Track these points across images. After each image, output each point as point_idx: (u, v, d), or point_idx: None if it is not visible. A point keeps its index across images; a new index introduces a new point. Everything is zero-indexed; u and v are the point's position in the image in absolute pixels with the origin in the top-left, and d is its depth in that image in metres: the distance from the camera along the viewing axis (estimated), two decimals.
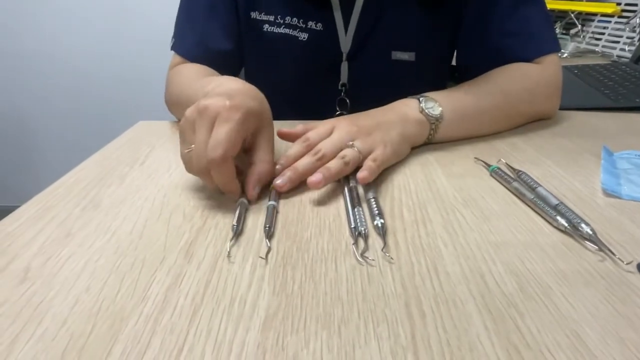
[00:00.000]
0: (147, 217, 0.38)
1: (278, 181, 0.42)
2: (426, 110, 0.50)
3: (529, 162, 0.48)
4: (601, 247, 0.33)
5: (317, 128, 0.47)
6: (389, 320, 0.26)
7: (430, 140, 0.52)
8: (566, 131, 0.58)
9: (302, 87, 0.69)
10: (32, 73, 1.83)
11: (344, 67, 0.66)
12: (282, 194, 0.42)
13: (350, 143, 0.44)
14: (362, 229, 0.35)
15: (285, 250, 0.34)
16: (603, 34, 1.21)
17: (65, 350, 0.25)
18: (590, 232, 0.34)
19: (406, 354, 0.24)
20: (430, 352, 0.24)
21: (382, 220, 0.36)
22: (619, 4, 1.16)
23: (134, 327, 0.26)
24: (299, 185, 0.43)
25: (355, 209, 0.37)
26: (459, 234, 0.35)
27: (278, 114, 0.50)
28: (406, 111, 0.50)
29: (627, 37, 1.14)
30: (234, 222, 0.36)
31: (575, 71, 0.91)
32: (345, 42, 0.64)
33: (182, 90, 0.58)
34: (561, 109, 0.63)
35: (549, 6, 1.24)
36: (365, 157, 0.44)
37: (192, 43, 0.65)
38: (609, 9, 1.17)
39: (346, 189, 0.41)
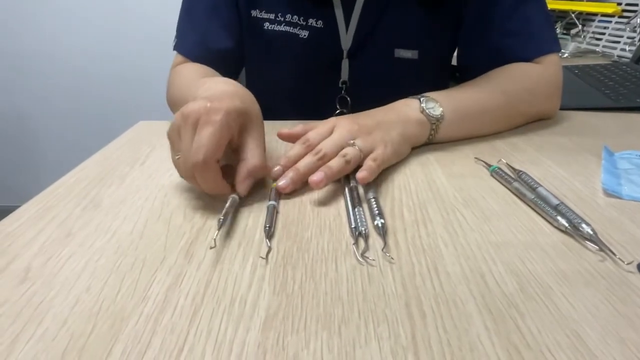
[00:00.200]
0: (148, 217, 0.38)
1: (281, 183, 0.42)
2: (427, 111, 0.50)
3: (529, 162, 0.48)
4: (602, 247, 0.33)
5: (317, 128, 0.46)
6: (390, 320, 0.26)
7: (430, 140, 0.52)
8: (567, 131, 0.58)
9: (303, 84, 0.69)
10: (32, 73, 1.83)
11: (345, 64, 0.66)
12: (282, 194, 0.42)
13: (352, 142, 0.44)
14: (363, 229, 0.35)
15: (286, 250, 0.34)
16: (604, 34, 1.21)
17: (65, 350, 0.25)
18: (591, 232, 0.34)
19: (406, 354, 0.24)
20: (431, 352, 0.24)
21: (382, 220, 0.36)
22: (619, 4, 1.16)
23: (135, 327, 0.26)
24: (300, 185, 0.43)
25: (356, 209, 0.37)
26: (460, 234, 0.35)
27: (279, 112, 0.50)
28: (407, 111, 0.50)
29: (628, 37, 1.14)
30: (221, 216, 0.35)
31: (576, 71, 0.91)
32: (346, 39, 0.65)
33: (180, 91, 0.58)
34: (562, 109, 0.63)
35: (550, 6, 1.24)
36: (366, 156, 0.44)
37: (193, 43, 0.65)
38: (609, 9, 1.17)
39: (346, 189, 0.41)
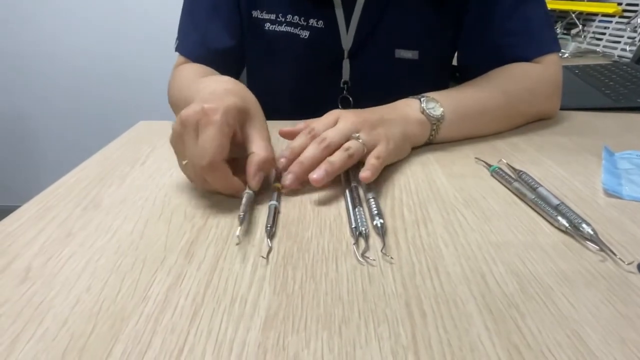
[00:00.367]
0: (148, 217, 0.38)
1: (287, 182, 0.42)
2: (427, 111, 0.50)
3: (529, 162, 0.48)
4: (602, 247, 0.33)
5: (321, 119, 0.46)
6: (390, 320, 0.26)
7: (431, 140, 0.52)
8: (567, 131, 0.58)
9: (304, 85, 0.69)
10: (32, 73, 1.83)
11: (346, 64, 0.67)
12: (283, 194, 0.42)
13: (356, 135, 0.44)
14: (363, 229, 0.35)
15: (286, 250, 0.34)
16: (604, 34, 1.21)
17: (65, 350, 0.25)
18: (591, 233, 0.34)
19: (407, 354, 0.24)
20: (431, 352, 0.24)
21: (381, 221, 0.36)
22: (619, 4, 1.16)
23: (135, 327, 0.26)
24: (305, 179, 0.42)
25: (356, 209, 0.37)
26: (460, 234, 0.35)
27: (280, 112, 0.50)
28: (408, 111, 0.50)
29: (628, 37, 1.14)
30: (240, 213, 0.36)
31: (576, 71, 0.91)
32: (347, 39, 0.65)
33: (180, 92, 0.58)
34: (562, 109, 0.63)
35: (550, 6, 1.24)
36: (369, 151, 0.43)
37: (194, 43, 0.66)
38: (610, 9, 1.17)
39: (347, 189, 0.41)
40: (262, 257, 0.33)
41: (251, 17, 0.66)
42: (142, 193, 0.43)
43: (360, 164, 0.43)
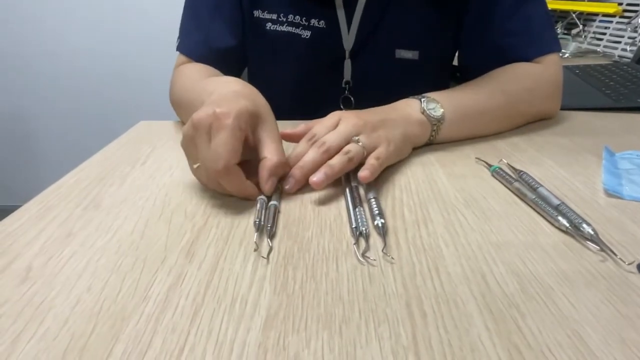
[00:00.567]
0: (148, 217, 0.38)
1: (286, 187, 0.42)
2: (428, 112, 0.50)
3: (530, 162, 0.48)
4: (602, 247, 0.33)
5: (322, 121, 0.46)
6: (390, 320, 0.26)
7: (432, 141, 0.52)
8: (567, 131, 0.58)
9: (306, 85, 0.69)
10: (33, 73, 1.83)
11: (347, 64, 0.67)
12: (283, 194, 0.42)
13: (356, 138, 0.44)
14: (363, 228, 0.35)
15: (287, 250, 0.34)
16: (604, 34, 1.21)
17: (66, 349, 0.25)
18: (592, 233, 0.34)
19: (407, 354, 0.24)
20: (432, 352, 0.24)
21: (382, 220, 0.36)
22: (620, 4, 1.16)
23: (135, 326, 0.26)
24: (305, 182, 0.43)
25: (357, 209, 0.37)
26: (460, 234, 0.35)
27: (281, 112, 0.50)
28: (409, 112, 0.50)
29: (629, 38, 1.14)
30: (256, 219, 0.36)
31: (577, 71, 0.91)
32: (348, 39, 0.65)
33: (183, 92, 0.58)
34: (562, 109, 0.63)
35: (551, 6, 1.24)
36: (369, 153, 0.43)
37: (196, 42, 0.66)
38: (610, 9, 1.17)
39: (347, 189, 0.41)
40: (263, 257, 0.33)
41: (252, 17, 0.66)
42: (143, 193, 0.43)
43: (361, 165, 0.43)
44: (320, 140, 0.43)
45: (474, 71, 0.62)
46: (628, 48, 1.13)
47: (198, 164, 0.39)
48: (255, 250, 0.33)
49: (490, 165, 0.46)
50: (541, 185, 0.41)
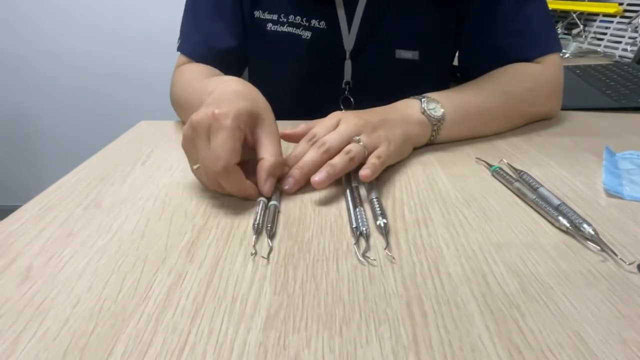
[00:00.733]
0: (149, 217, 0.38)
1: (286, 187, 0.42)
2: (428, 112, 0.50)
3: (530, 162, 0.48)
4: (603, 247, 0.33)
5: (323, 121, 0.46)
6: (391, 320, 0.26)
7: (432, 141, 0.52)
8: (568, 131, 0.58)
9: (306, 85, 0.69)
10: (33, 73, 1.83)
11: (348, 65, 0.67)
12: (283, 194, 0.42)
13: (357, 138, 0.44)
14: (364, 229, 0.35)
15: (287, 250, 0.34)
16: (605, 34, 1.21)
17: (67, 349, 0.25)
18: (592, 233, 0.34)
19: (408, 354, 0.24)
20: (432, 352, 0.24)
21: (384, 220, 0.36)
22: (621, 4, 1.16)
23: (136, 326, 0.26)
24: (305, 183, 0.43)
25: (357, 209, 0.37)
26: (461, 234, 0.35)
27: (282, 113, 0.51)
28: (409, 112, 0.50)
29: (629, 38, 1.14)
30: (255, 222, 0.36)
31: (577, 71, 0.90)
32: (349, 40, 0.65)
33: (183, 92, 0.58)
34: (563, 109, 0.63)
35: (551, 6, 1.24)
36: (370, 153, 0.43)
37: (197, 42, 0.66)
38: (611, 9, 1.17)
39: (347, 189, 0.41)
40: (263, 257, 0.33)
41: (253, 17, 0.66)
42: (143, 193, 0.43)
43: (361, 165, 0.43)
44: (321, 141, 0.43)
45: (474, 71, 0.62)
46: (629, 48, 1.13)
47: (198, 165, 0.39)
48: (252, 254, 0.33)
49: (490, 165, 0.46)
50: (542, 185, 0.41)
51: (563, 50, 1.19)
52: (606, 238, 0.34)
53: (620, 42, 1.16)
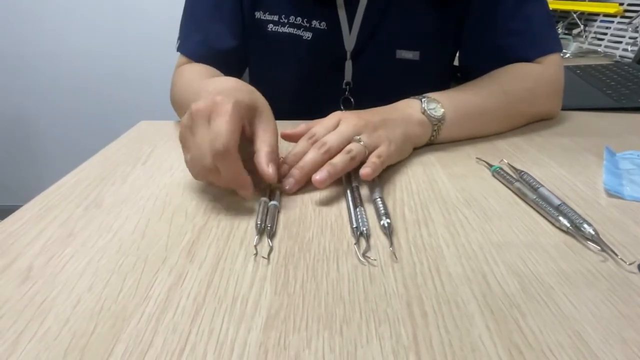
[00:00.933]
0: (149, 217, 0.38)
1: (286, 187, 0.42)
2: (428, 112, 0.50)
3: (531, 162, 0.48)
4: (603, 247, 0.33)
5: (322, 121, 0.46)
6: (391, 320, 0.26)
7: (432, 141, 0.52)
8: (568, 131, 0.58)
9: (307, 86, 0.69)
10: (34, 73, 1.83)
11: (348, 65, 0.67)
12: (283, 194, 0.42)
13: (357, 138, 0.44)
14: (364, 229, 0.35)
15: (287, 250, 0.34)
16: (605, 34, 1.21)
17: (67, 349, 0.25)
18: (593, 233, 0.34)
19: (408, 354, 0.24)
20: (432, 352, 0.24)
21: (388, 220, 0.36)
22: (621, 4, 1.16)
23: (136, 326, 0.26)
24: (305, 183, 0.43)
25: (357, 209, 0.37)
26: (461, 234, 0.35)
27: (282, 113, 0.51)
28: (410, 112, 0.50)
29: (630, 38, 1.14)
30: (258, 222, 0.36)
31: (578, 71, 0.90)
32: (350, 40, 0.65)
33: (184, 92, 0.58)
34: (563, 109, 0.63)
35: (552, 6, 1.24)
36: (370, 153, 0.43)
37: (196, 43, 0.65)
38: (611, 9, 1.17)
39: (348, 189, 0.41)
40: (263, 257, 0.33)
41: (254, 18, 0.66)
42: (143, 193, 0.43)
43: (362, 165, 0.43)
44: (321, 141, 0.43)
45: (475, 71, 0.62)
46: (629, 48, 1.13)
47: (191, 154, 0.38)
48: (254, 254, 0.33)
49: (491, 165, 0.46)
50: (542, 186, 0.41)
51: (563, 50, 1.19)
52: (606, 238, 0.34)
53: (620, 42, 1.16)
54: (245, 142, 0.41)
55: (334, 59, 0.66)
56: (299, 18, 0.64)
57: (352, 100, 0.68)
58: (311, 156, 0.43)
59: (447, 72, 0.74)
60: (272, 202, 0.39)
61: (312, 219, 0.38)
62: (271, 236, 0.35)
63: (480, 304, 0.28)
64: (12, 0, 1.71)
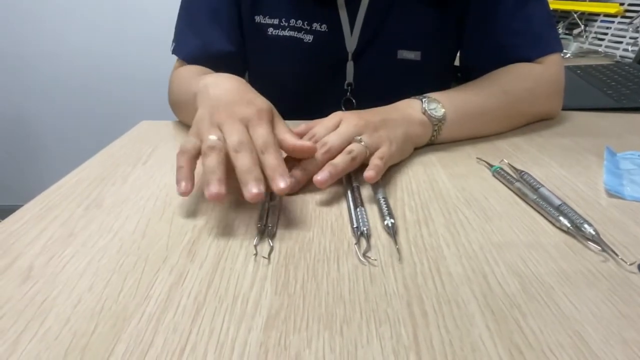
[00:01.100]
0: (150, 217, 0.38)
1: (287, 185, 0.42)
2: (429, 112, 0.50)
3: (531, 162, 0.48)
4: (604, 247, 0.33)
5: (323, 121, 0.46)
6: (391, 320, 0.26)
7: (433, 141, 0.52)
8: (569, 131, 0.58)
9: (308, 88, 0.69)
10: (34, 73, 1.84)
11: (350, 66, 0.66)
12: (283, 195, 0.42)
13: (358, 138, 0.44)
14: (365, 229, 0.35)
15: (288, 249, 0.34)
16: (606, 34, 1.21)
17: (68, 349, 0.25)
18: (593, 233, 0.34)
19: (408, 354, 0.24)
20: (433, 352, 0.24)
21: (392, 220, 0.36)
22: (622, 4, 1.16)
23: (137, 326, 0.26)
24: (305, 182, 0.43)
25: (358, 209, 0.37)
26: (462, 234, 0.35)
27: (283, 114, 0.50)
28: (410, 112, 0.50)
29: (630, 38, 1.14)
30: (258, 221, 0.36)
31: (578, 71, 0.90)
32: (351, 41, 0.64)
33: (180, 92, 0.58)
34: (564, 109, 0.63)
35: (552, 6, 1.24)
36: (371, 153, 0.43)
37: (194, 47, 0.64)
38: (612, 9, 1.17)
39: (348, 189, 0.41)
40: (264, 257, 0.33)
41: (254, 22, 0.65)
42: (144, 193, 0.43)
43: (362, 165, 0.43)
44: (322, 141, 0.43)
45: (475, 71, 0.62)
46: (630, 48, 1.13)
47: (214, 144, 0.37)
48: (254, 255, 0.33)
49: (491, 165, 0.46)
50: (542, 186, 0.41)
51: (564, 51, 1.19)
52: (607, 238, 0.34)
53: (621, 42, 1.16)
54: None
55: (335, 61, 0.66)
56: (299, 21, 0.64)
57: (353, 101, 0.68)
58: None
59: (448, 72, 0.74)
60: (273, 202, 0.39)
61: (312, 219, 0.38)
62: (272, 236, 0.35)
63: (481, 304, 0.28)
64: (12, 0, 1.71)
